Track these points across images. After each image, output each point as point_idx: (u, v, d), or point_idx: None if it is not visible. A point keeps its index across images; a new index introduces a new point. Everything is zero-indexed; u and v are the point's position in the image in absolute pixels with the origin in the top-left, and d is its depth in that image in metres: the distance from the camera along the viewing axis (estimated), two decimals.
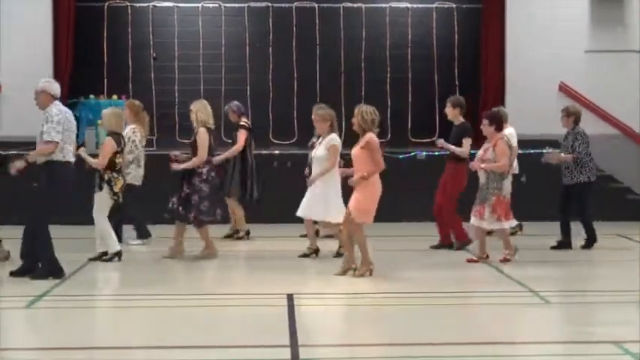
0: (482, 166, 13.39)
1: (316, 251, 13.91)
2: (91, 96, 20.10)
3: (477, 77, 20.83)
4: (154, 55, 20.93)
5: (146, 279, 12.38)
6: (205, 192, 13.56)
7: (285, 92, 20.70)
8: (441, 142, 14.62)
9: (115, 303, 11.07)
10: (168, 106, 20.54)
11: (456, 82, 21.12)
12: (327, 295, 11.49)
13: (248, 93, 20.59)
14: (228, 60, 21.09)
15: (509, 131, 15.09)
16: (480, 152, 13.62)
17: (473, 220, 13.48)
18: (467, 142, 14.39)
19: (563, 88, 20.18)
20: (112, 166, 13.36)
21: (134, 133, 14.77)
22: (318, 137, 14.64)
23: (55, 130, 11.95)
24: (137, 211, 15.03)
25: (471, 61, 20.99)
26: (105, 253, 13.42)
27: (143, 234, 15.25)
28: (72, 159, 12.22)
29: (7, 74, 19.41)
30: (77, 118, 19.84)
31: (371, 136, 12.32)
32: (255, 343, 9.09)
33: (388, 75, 21.14)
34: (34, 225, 12.10)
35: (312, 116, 15.44)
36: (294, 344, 8.93)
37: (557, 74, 20.10)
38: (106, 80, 20.19)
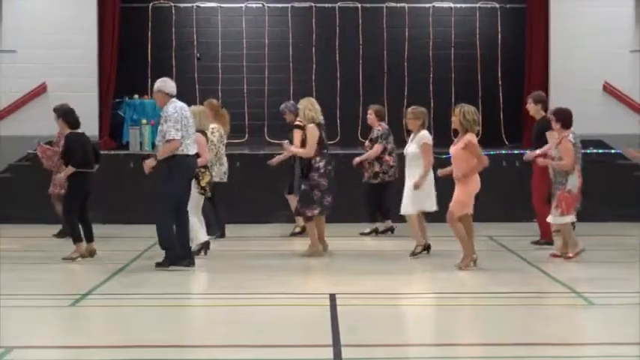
0: (554, 163, 13.54)
1: (427, 247, 14.00)
2: (135, 96, 20.27)
3: (520, 77, 20.73)
4: (198, 55, 21.04)
5: (189, 277, 12.44)
6: (325, 186, 13.82)
7: (328, 92, 20.71)
8: (530, 155, 14.60)
9: (156, 302, 11.13)
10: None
11: (500, 83, 21.06)
12: (370, 295, 11.49)
13: (291, 93, 20.62)
14: (271, 60, 21.16)
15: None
16: (547, 149, 13.87)
17: (549, 217, 13.69)
18: (551, 134, 14.29)
19: (608, 88, 20.05)
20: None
21: (212, 133, 14.93)
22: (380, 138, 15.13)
23: (174, 128, 12.55)
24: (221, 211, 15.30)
25: (515, 61, 20.90)
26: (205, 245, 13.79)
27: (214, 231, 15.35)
28: (192, 152, 12.77)
29: (53, 74, 19.58)
30: (121, 118, 20.14)
31: (470, 138, 12.80)
32: (298, 343, 9.12)
33: (431, 75, 21.12)
34: (156, 216, 12.73)
35: (368, 116, 15.80)
36: (336, 344, 8.95)
37: (601, 74, 19.96)
38: (150, 80, 20.30)
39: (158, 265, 12.77)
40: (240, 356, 8.82)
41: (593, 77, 19.89)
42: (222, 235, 15.53)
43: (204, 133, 13.85)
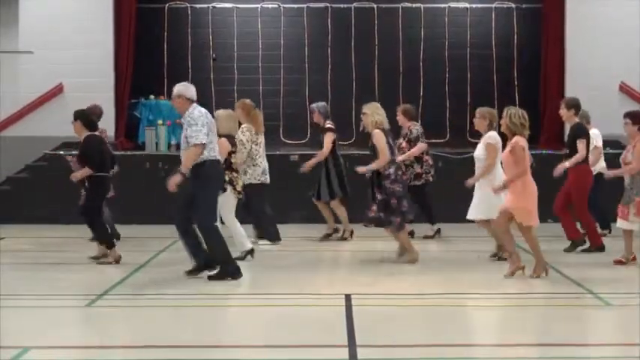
0: (613, 173, 13.44)
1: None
2: (151, 96, 20.33)
3: (536, 78, 20.71)
4: (214, 55, 21.08)
5: (204, 278, 12.42)
6: (400, 192, 13.43)
7: (344, 93, 20.74)
8: (560, 168, 14.36)
9: (172, 302, 11.14)
10: (227, 107, 20.59)
11: (516, 83, 21.03)
12: (386, 295, 11.49)
13: (307, 93, 20.67)
14: (286, 60, 21.19)
15: (593, 132, 15.08)
16: (624, 154, 13.53)
17: (619, 222, 13.37)
18: (581, 143, 14.19)
19: (624, 88, 20.00)
20: (230, 166, 13.39)
21: (242, 132, 14.74)
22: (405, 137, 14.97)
23: (202, 132, 11.96)
24: (268, 212, 15.24)
25: (531, 61, 20.88)
26: (250, 252, 13.76)
27: (272, 236, 15.36)
28: (220, 157, 12.39)
29: (69, 75, 19.66)
30: (137, 119, 20.19)
31: (517, 140, 12.26)
32: (313, 343, 9.13)
33: (447, 75, 21.11)
34: (203, 228, 12.17)
35: (397, 117, 15.47)
36: (351, 344, 8.96)
37: (617, 74, 19.93)
38: (166, 81, 20.38)
39: (211, 278, 12.22)
40: (255, 356, 8.83)
41: (609, 77, 19.85)
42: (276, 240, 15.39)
43: (230, 138, 13.59)
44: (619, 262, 13.38)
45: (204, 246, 12.30)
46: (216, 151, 12.34)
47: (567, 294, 11.67)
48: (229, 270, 12.22)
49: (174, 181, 11.88)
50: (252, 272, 12.97)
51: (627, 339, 9.39)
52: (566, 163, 14.22)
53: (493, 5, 21.30)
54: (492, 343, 9.26)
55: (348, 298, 11.01)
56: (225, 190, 13.27)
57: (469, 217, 13.65)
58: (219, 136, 13.31)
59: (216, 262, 12.28)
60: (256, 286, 12.14)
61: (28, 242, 15.81)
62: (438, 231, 16.09)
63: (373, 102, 14.05)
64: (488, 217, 13.29)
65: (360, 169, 13.59)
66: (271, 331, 9.64)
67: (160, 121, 19.78)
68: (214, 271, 12.25)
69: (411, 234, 15.96)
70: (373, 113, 13.61)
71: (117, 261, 13.48)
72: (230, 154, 13.44)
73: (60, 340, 9.34)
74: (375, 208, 13.44)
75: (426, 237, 15.99)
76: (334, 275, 13.07)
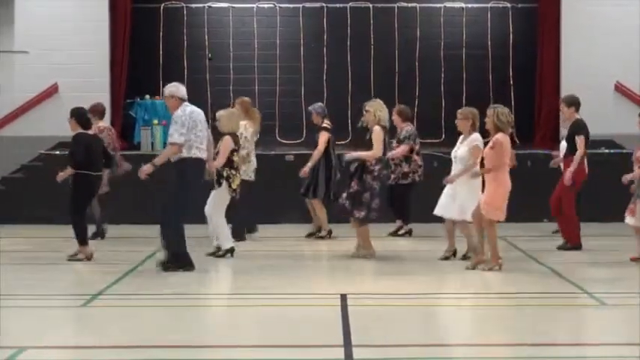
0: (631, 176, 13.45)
1: (455, 253, 13.75)
2: (147, 96, 20.30)
3: (532, 77, 20.71)
4: (210, 55, 21.07)
5: (200, 278, 12.44)
6: (376, 190, 13.62)
7: (340, 92, 20.73)
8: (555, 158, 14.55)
9: (168, 302, 11.15)
10: (223, 107, 20.59)
11: (511, 83, 21.03)
12: (381, 295, 11.49)
13: (302, 93, 20.65)
14: (282, 60, 21.17)
15: None
16: (637, 153, 13.61)
17: (627, 219, 13.46)
18: (580, 139, 14.32)
19: (619, 88, 20.00)
20: (230, 163, 13.67)
21: (245, 129, 15.02)
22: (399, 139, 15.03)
23: (178, 132, 12.39)
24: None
25: (526, 61, 20.88)
26: (219, 249, 13.88)
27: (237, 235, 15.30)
28: (201, 155, 12.61)
29: (65, 75, 19.63)
30: (132, 119, 20.17)
31: (499, 137, 12.68)
32: (309, 343, 9.13)
33: (442, 75, 21.10)
34: (163, 220, 12.60)
35: (392, 117, 15.50)
36: (347, 344, 8.96)
37: (613, 73, 19.92)
38: (161, 81, 20.34)
39: (165, 268, 12.58)
40: (250, 356, 8.83)
41: (604, 77, 19.85)
42: (241, 239, 15.21)
43: (233, 136, 13.86)
44: (635, 260, 13.43)
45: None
46: (197, 149, 12.53)
47: (563, 293, 11.68)
48: (182, 260, 12.56)
49: (145, 171, 12.50)
50: (249, 272, 12.97)
51: (622, 339, 9.40)
52: (571, 169, 14.22)
53: (489, 5, 21.30)
54: (488, 343, 9.26)
55: (343, 297, 11.02)
56: (220, 184, 13.55)
57: (437, 212, 13.63)
58: (223, 134, 13.54)
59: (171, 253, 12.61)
60: (252, 286, 12.13)
61: (24, 242, 15.81)
62: (409, 232, 16.17)
63: (377, 99, 14.15)
64: (459, 218, 13.34)
65: (349, 155, 13.89)
66: (267, 331, 9.64)
67: (155, 121, 19.77)
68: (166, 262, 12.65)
69: (409, 232, 16.09)
70: (376, 110, 13.80)
71: (88, 258, 13.55)
72: (232, 151, 13.60)
73: (56, 340, 9.34)
74: (345, 195, 13.71)
75: (390, 234, 16.12)
76: (330, 275, 13.07)
